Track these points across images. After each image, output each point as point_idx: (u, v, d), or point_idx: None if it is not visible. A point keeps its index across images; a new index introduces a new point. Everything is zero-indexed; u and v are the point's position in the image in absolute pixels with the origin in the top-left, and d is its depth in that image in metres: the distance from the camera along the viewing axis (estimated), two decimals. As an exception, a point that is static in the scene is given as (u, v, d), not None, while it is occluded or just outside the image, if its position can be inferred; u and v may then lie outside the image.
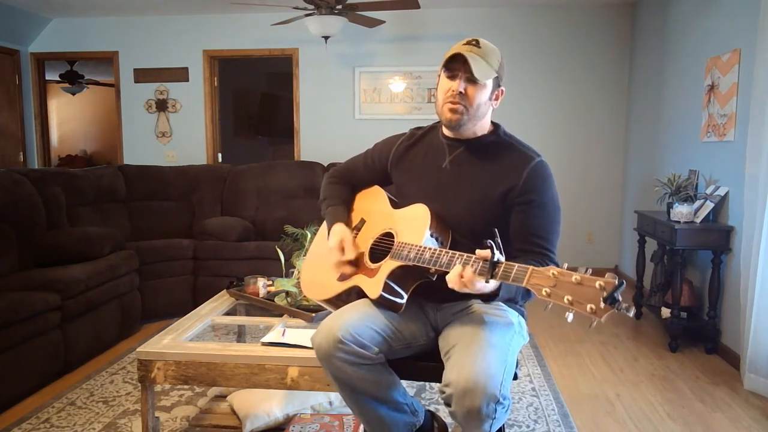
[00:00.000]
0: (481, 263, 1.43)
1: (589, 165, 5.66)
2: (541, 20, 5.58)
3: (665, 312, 3.74)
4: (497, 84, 1.69)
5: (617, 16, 5.51)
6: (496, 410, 1.43)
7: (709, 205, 3.50)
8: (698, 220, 3.50)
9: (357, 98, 5.82)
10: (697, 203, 3.60)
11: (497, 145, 1.73)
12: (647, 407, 2.80)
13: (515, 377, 1.63)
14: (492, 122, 1.77)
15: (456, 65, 1.64)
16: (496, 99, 1.71)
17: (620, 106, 5.61)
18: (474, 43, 1.65)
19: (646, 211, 4.28)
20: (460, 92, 1.63)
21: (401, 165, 1.86)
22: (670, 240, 3.52)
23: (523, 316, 1.78)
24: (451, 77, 1.66)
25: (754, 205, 2.96)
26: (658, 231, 3.82)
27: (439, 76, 1.70)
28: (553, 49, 5.59)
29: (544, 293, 1.30)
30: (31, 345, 2.86)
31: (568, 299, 1.26)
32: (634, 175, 5.30)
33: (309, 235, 2.64)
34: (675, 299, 3.57)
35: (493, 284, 1.45)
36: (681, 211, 3.52)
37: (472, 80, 1.62)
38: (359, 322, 1.64)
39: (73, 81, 8.27)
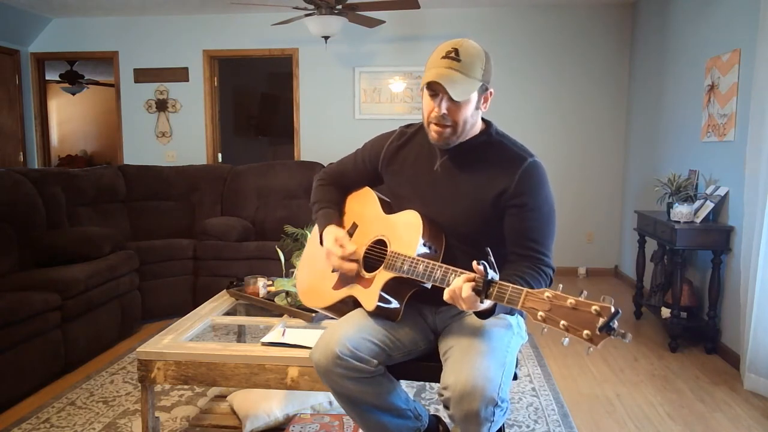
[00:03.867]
0: (475, 281, 1.40)
1: (589, 165, 5.66)
2: (541, 20, 5.58)
3: (665, 312, 3.73)
4: (484, 89, 1.61)
5: (617, 16, 5.51)
6: (494, 413, 1.43)
7: (709, 205, 3.50)
8: (698, 220, 3.50)
9: (357, 98, 5.82)
10: (697, 203, 3.60)
11: (488, 145, 1.68)
12: (647, 407, 2.80)
13: (515, 377, 1.62)
14: (483, 120, 1.72)
15: (436, 83, 1.54)
16: (485, 102, 1.64)
17: (620, 106, 5.61)
18: (453, 55, 1.54)
19: (646, 211, 4.28)
20: (444, 114, 1.57)
21: (392, 166, 1.81)
22: (670, 240, 3.52)
23: (521, 315, 1.76)
24: (433, 95, 1.58)
25: (754, 205, 2.96)
26: (658, 231, 3.82)
27: (422, 89, 1.61)
28: (553, 49, 5.59)
29: (539, 317, 1.28)
30: (31, 345, 2.86)
31: (563, 324, 1.25)
32: (634, 175, 5.30)
33: (309, 235, 2.63)
34: (675, 299, 3.57)
35: (488, 303, 1.42)
36: (681, 211, 3.51)
37: (453, 99, 1.55)
38: (356, 335, 1.61)
39: (73, 81, 8.27)
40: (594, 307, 1.21)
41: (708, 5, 3.83)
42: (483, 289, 1.37)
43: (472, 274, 1.41)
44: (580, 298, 1.25)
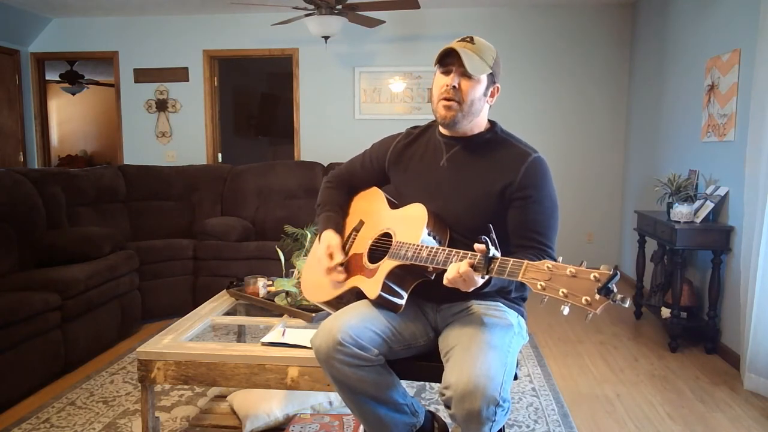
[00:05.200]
0: (477, 259, 1.42)
1: (589, 165, 5.66)
2: (541, 20, 5.58)
3: (665, 312, 3.73)
4: (492, 81, 1.70)
5: (617, 16, 5.51)
6: (496, 413, 1.43)
7: (709, 205, 3.50)
8: (698, 220, 3.50)
9: (357, 98, 5.82)
10: (697, 203, 3.60)
11: (494, 142, 1.74)
12: (647, 407, 2.80)
13: (515, 377, 1.63)
14: (489, 120, 1.78)
15: (450, 60, 1.66)
16: (492, 96, 1.72)
17: (620, 106, 5.61)
18: (468, 39, 1.67)
19: (646, 211, 4.28)
20: (454, 86, 1.64)
21: (399, 164, 1.86)
22: (670, 240, 3.52)
23: (522, 316, 1.78)
24: (445, 72, 1.67)
25: (754, 205, 2.96)
26: (658, 231, 3.82)
27: (436, 65, 1.71)
28: (553, 49, 5.59)
29: (539, 287, 1.30)
30: (31, 345, 2.86)
31: (563, 292, 1.26)
32: (634, 175, 5.30)
33: (309, 235, 2.64)
34: (675, 299, 3.57)
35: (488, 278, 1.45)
36: (681, 211, 3.51)
37: (465, 75, 1.64)
38: (359, 324, 1.64)
39: (73, 81, 8.27)
40: (593, 274, 1.23)
41: (708, 5, 3.83)
42: (484, 264, 1.39)
43: (475, 253, 1.44)
44: (579, 267, 1.26)
